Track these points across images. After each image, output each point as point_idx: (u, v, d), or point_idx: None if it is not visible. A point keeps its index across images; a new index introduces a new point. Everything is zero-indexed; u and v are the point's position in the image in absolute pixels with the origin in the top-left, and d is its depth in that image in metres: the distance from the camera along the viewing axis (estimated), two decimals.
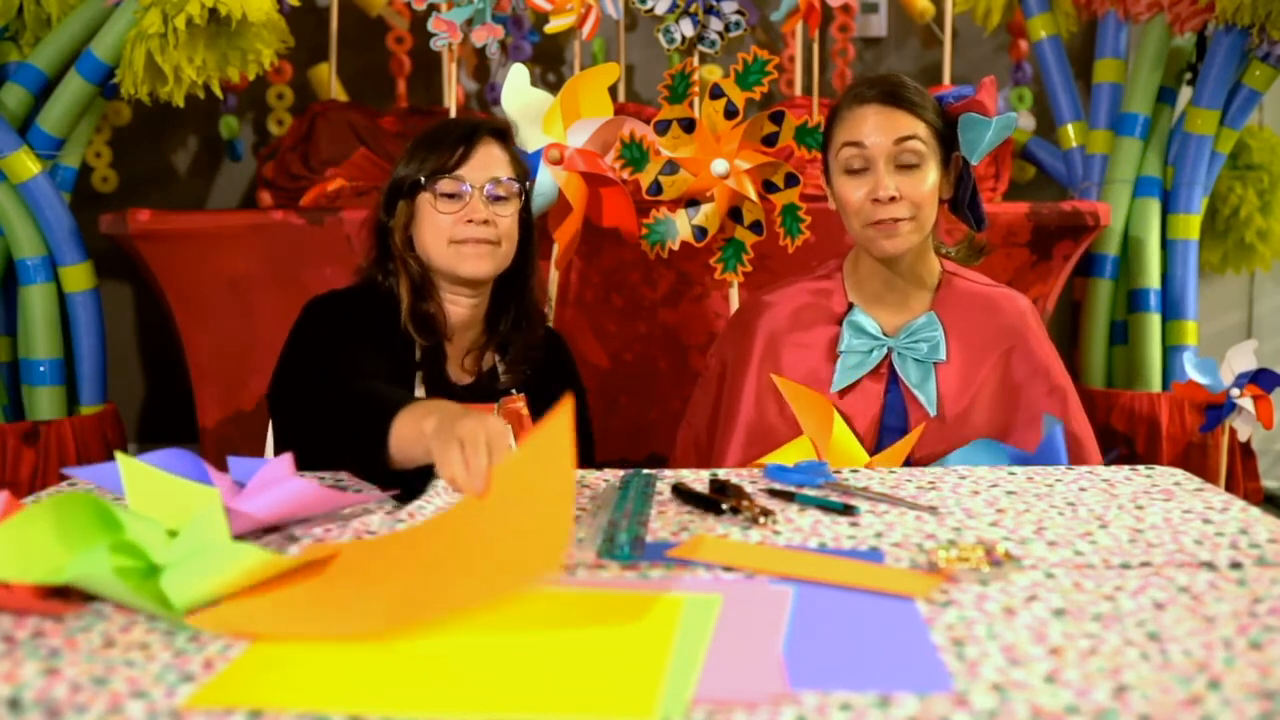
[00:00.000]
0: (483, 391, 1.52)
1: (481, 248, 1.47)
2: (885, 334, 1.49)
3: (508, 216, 1.49)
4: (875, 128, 1.42)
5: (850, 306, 1.52)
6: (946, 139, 1.47)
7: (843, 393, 1.48)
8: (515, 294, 1.56)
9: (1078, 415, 1.50)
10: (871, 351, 1.48)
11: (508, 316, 1.56)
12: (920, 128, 1.43)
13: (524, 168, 1.56)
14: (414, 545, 0.90)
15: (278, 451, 1.42)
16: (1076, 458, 1.45)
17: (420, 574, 0.83)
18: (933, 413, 1.46)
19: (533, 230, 1.58)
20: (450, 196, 1.46)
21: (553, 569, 0.76)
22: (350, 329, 1.43)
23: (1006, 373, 1.49)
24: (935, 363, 1.47)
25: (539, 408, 1.54)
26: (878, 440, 1.49)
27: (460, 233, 1.46)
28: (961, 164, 1.49)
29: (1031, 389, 1.48)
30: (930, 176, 1.43)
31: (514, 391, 1.54)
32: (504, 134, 1.53)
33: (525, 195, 1.53)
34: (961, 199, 1.52)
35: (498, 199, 1.48)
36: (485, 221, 1.46)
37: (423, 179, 1.47)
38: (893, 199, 1.41)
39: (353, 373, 1.31)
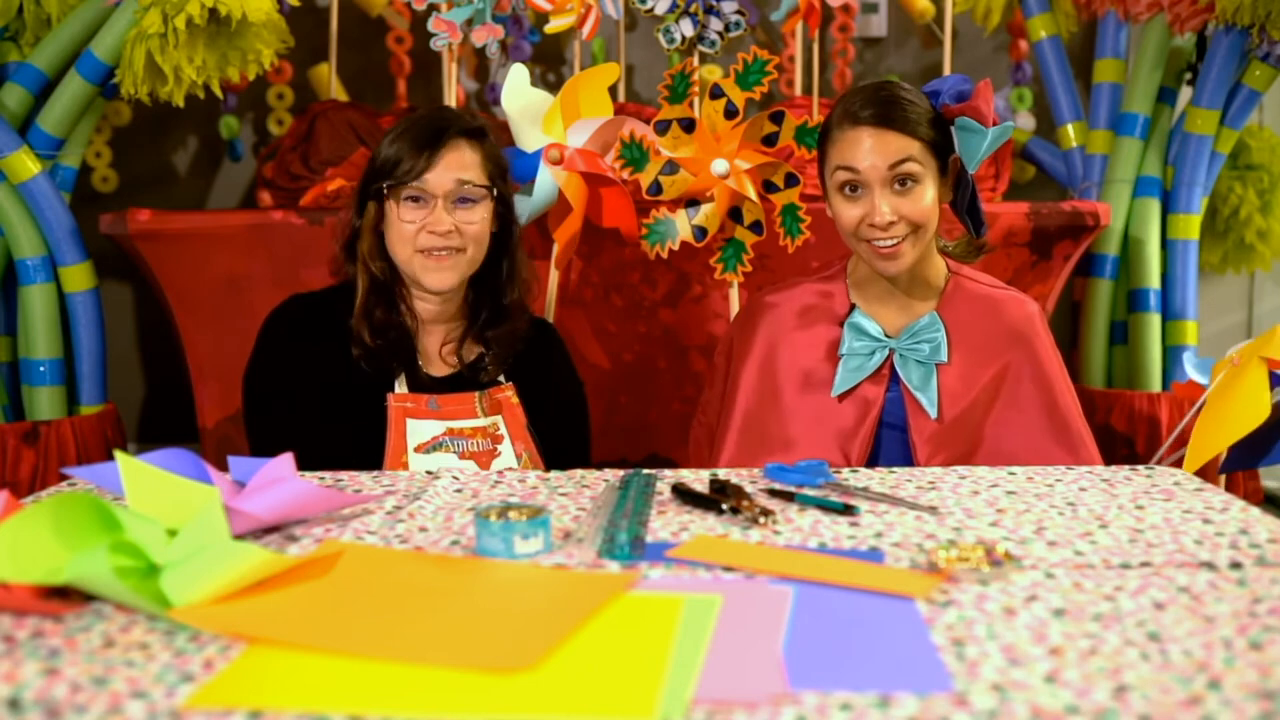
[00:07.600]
0: (463, 382, 1.51)
1: (444, 259, 1.44)
2: (887, 335, 1.49)
3: (475, 222, 1.46)
4: (869, 151, 1.40)
5: (852, 308, 1.52)
6: (942, 147, 1.45)
7: (842, 395, 1.49)
8: (491, 291, 1.54)
9: (1086, 445, 1.49)
10: (874, 354, 1.48)
11: (486, 314, 1.54)
12: (914, 147, 1.41)
13: (500, 165, 1.52)
14: (417, 587, 0.86)
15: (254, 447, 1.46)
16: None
17: (413, 620, 0.79)
18: (933, 414, 1.46)
19: (512, 226, 1.55)
20: (414, 202, 1.44)
21: (524, 664, 0.70)
22: (299, 380, 1.44)
23: (1009, 389, 1.48)
24: (937, 364, 1.47)
25: (529, 397, 1.54)
26: (877, 440, 1.49)
27: (424, 241, 1.44)
28: (960, 165, 1.47)
29: (1029, 414, 1.48)
30: (928, 193, 1.42)
31: (501, 380, 1.54)
32: (477, 133, 1.48)
33: (500, 194, 1.50)
34: (961, 201, 1.51)
35: (464, 202, 1.45)
36: (449, 230, 1.43)
37: (385, 187, 1.44)
38: (890, 223, 1.41)
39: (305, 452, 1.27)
